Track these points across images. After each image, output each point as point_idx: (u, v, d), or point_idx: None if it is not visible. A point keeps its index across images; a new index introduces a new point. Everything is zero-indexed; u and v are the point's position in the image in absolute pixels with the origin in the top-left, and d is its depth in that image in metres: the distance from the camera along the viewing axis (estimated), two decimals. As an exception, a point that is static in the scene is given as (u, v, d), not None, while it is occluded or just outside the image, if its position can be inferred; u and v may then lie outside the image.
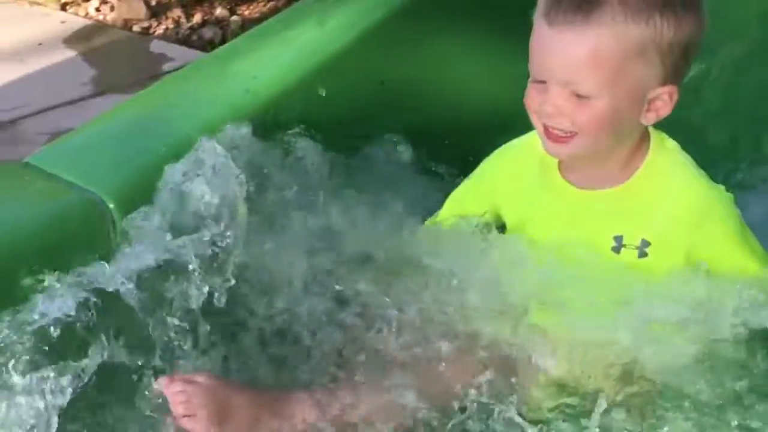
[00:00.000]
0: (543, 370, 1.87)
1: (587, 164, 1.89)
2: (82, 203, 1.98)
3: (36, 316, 1.82)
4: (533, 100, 1.83)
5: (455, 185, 2.16)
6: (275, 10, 4.08)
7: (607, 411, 1.76)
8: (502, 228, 2.05)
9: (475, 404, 1.83)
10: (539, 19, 1.79)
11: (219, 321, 1.95)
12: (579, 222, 1.90)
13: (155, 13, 4.37)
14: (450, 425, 1.82)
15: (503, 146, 2.06)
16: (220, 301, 1.94)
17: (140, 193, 1.98)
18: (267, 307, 2.01)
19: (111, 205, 1.98)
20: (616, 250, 1.87)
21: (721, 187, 1.89)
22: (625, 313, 1.83)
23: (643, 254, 1.85)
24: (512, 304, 1.93)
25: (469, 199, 2.08)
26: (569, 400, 1.84)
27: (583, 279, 1.88)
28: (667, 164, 1.88)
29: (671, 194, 1.86)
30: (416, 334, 1.93)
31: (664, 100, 1.82)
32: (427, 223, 2.12)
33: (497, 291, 1.94)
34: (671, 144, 1.91)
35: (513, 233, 2.01)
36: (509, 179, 2.01)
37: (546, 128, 1.83)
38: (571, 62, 1.76)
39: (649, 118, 1.83)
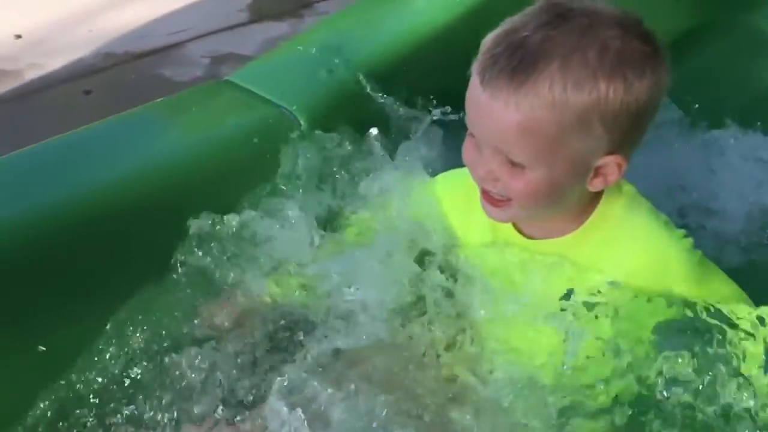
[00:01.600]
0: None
1: (540, 216, 1.73)
2: (276, 118, 2.18)
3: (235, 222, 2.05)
4: (469, 156, 1.67)
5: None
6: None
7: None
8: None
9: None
10: (474, 74, 1.60)
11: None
12: (527, 273, 1.75)
13: (306, -56, 4.55)
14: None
15: (460, 171, 1.82)
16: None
17: (329, 111, 2.18)
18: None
19: (302, 121, 2.17)
20: (566, 302, 1.71)
21: (680, 233, 1.71)
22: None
23: (596, 307, 1.70)
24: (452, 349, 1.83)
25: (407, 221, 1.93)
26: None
27: (526, 332, 1.74)
28: (620, 213, 1.70)
29: (624, 246, 1.69)
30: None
31: (612, 168, 1.63)
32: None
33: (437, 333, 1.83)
34: (627, 188, 1.73)
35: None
36: (459, 212, 1.86)
37: (483, 189, 1.69)
38: (503, 131, 1.57)
39: (596, 185, 1.65)
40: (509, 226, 1.76)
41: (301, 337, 1.87)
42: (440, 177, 1.94)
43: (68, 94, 3.72)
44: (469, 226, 1.83)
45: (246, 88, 2.23)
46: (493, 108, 1.56)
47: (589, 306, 1.68)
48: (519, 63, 1.54)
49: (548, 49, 1.54)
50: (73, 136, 2.08)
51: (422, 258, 1.89)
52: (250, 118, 2.18)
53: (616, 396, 1.66)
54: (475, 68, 1.59)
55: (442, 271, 1.86)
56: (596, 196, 1.70)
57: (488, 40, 1.60)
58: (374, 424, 1.70)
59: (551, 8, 1.58)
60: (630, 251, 1.68)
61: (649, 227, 1.69)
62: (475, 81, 1.58)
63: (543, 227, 1.74)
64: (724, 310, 1.66)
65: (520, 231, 1.76)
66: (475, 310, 1.80)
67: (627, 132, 1.59)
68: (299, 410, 1.70)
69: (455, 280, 1.84)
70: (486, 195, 1.68)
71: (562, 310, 1.69)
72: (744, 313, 1.65)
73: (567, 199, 1.66)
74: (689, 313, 1.67)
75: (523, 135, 1.56)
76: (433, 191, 1.92)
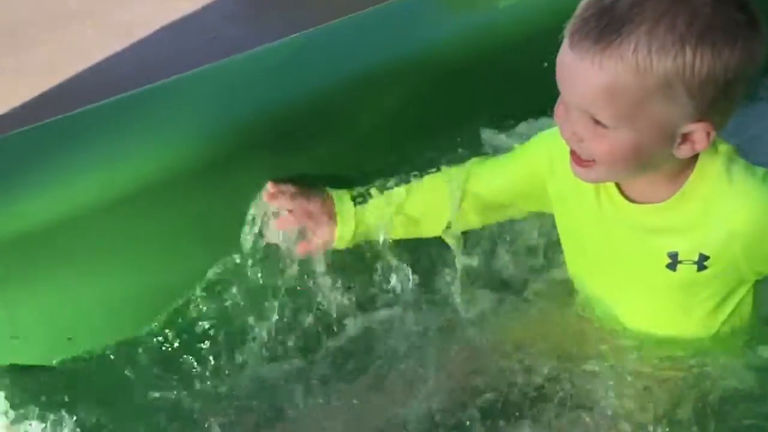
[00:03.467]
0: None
1: (631, 179, 1.74)
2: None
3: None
4: (558, 117, 1.69)
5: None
6: None
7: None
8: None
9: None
10: (566, 36, 1.62)
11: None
12: (631, 237, 1.77)
13: None
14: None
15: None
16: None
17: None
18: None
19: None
20: (672, 267, 1.74)
21: None
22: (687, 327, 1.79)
23: (702, 267, 1.72)
24: (561, 319, 1.93)
25: (515, 171, 1.94)
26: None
27: (637, 295, 1.81)
28: (717, 173, 1.69)
29: (723, 206, 1.68)
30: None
31: (700, 135, 1.62)
32: (454, 172, 2.01)
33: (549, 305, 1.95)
34: (723, 147, 1.71)
35: (561, 234, 1.93)
36: (565, 173, 1.80)
37: (571, 149, 1.71)
38: (588, 92, 1.60)
39: (684, 152, 1.64)
40: (612, 187, 1.78)
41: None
42: (546, 134, 1.93)
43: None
44: (576, 185, 1.81)
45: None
46: (579, 69, 1.59)
47: (694, 269, 1.72)
48: (606, 26, 1.56)
49: (636, 14, 1.55)
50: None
51: (529, 218, 2.01)
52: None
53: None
54: (567, 30, 1.62)
55: (543, 236, 1.99)
56: (692, 159, 1.69)
57: (581, 4, 1.62)
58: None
59: None
60: (731, 210, 1.68)
61: (747, 184, 1.68)
62: (565, 43, 1.61)
63: (642, 190, 1.75)
64: None
65: (622, 193, 1.77)
66: (582, 277, 1.91)
67: (714, 100, 1.58)
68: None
69: (559, 245, 1.94)
70: (573, 155, 1.70)
71: (668, 274, 1.75)
72: None
73: (655, 164, 1.67)
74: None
75: (607, 96, 1.58)
76: (542, 148, 1.92)
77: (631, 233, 1.77)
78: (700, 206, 1.70)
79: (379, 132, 2.11)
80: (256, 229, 1.97)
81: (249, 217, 1.98)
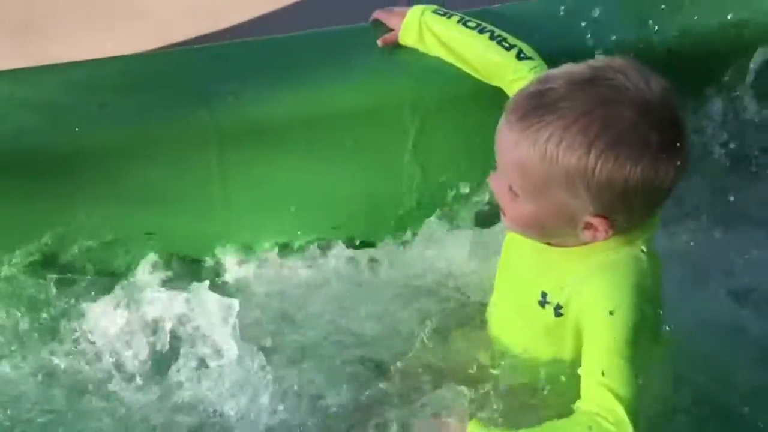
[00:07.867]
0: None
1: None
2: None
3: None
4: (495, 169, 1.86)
5: None
6: None
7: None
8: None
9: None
10: (505, 110, 1.80)
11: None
12: (527, 265, 1.92)
13: None
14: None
15: None
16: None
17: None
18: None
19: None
20: (542, 304, 1.85)
21: (630, 310, 1.74)
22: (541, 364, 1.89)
23: (558, 314, 1.84)
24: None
25: None
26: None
27: (515, 326, 1.95)
28: (605, 255, 1.81)
29: (584, 281, 1.79)
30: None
31: (600, 227, 1.76)
32: None
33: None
34: (636, 246, 1.81)
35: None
36: None
37: None
38: (506, 161, 1.78)
39: (586, 236, 1.79)
40: None
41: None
42: None
43: None
44: None
45: None
46: (503, 139, 1.78)
47: (553, 313, 1.85)
48: (533, 109, 1.73)
49: (561, 107, 1.72)
50: None
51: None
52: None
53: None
54: (507, 104, 1.80)
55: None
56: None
57: (533, 79, 1.85)
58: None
59: (589, 71, 1.76)
60: (585, 291, 1.79)
61: (610, 281, 1.78)
62: (503, 114, 1.79)
63: None
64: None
65: None
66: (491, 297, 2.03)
67: (614, 204, 1.73)
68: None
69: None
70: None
71: (538, 310, 1.86)
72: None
73: (562, 237, 1.83)
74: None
75: (519, 171, 1.76)
76: None
77: (530, 261, 1.90)
78: (574, 268, 1.82)
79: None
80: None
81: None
